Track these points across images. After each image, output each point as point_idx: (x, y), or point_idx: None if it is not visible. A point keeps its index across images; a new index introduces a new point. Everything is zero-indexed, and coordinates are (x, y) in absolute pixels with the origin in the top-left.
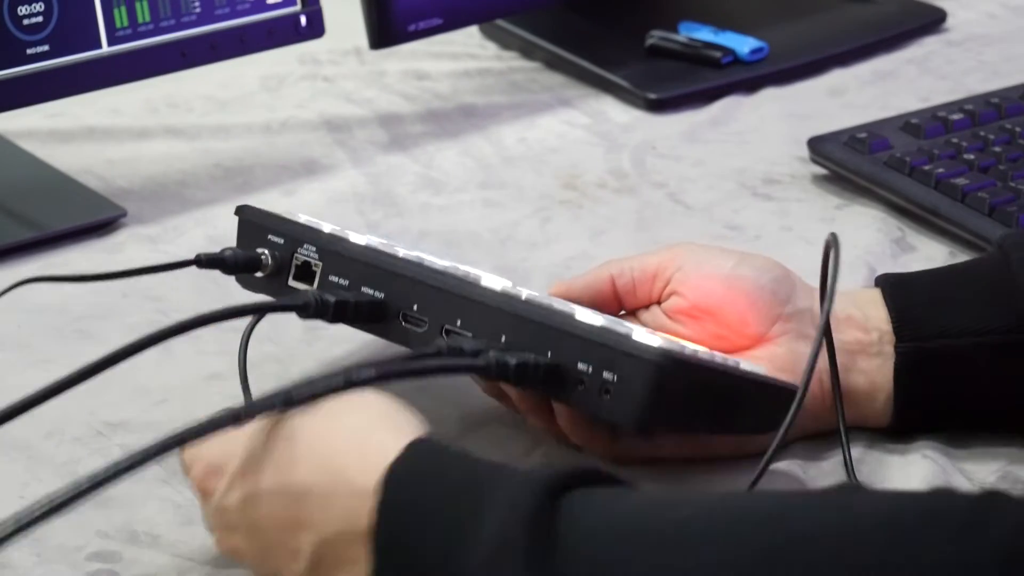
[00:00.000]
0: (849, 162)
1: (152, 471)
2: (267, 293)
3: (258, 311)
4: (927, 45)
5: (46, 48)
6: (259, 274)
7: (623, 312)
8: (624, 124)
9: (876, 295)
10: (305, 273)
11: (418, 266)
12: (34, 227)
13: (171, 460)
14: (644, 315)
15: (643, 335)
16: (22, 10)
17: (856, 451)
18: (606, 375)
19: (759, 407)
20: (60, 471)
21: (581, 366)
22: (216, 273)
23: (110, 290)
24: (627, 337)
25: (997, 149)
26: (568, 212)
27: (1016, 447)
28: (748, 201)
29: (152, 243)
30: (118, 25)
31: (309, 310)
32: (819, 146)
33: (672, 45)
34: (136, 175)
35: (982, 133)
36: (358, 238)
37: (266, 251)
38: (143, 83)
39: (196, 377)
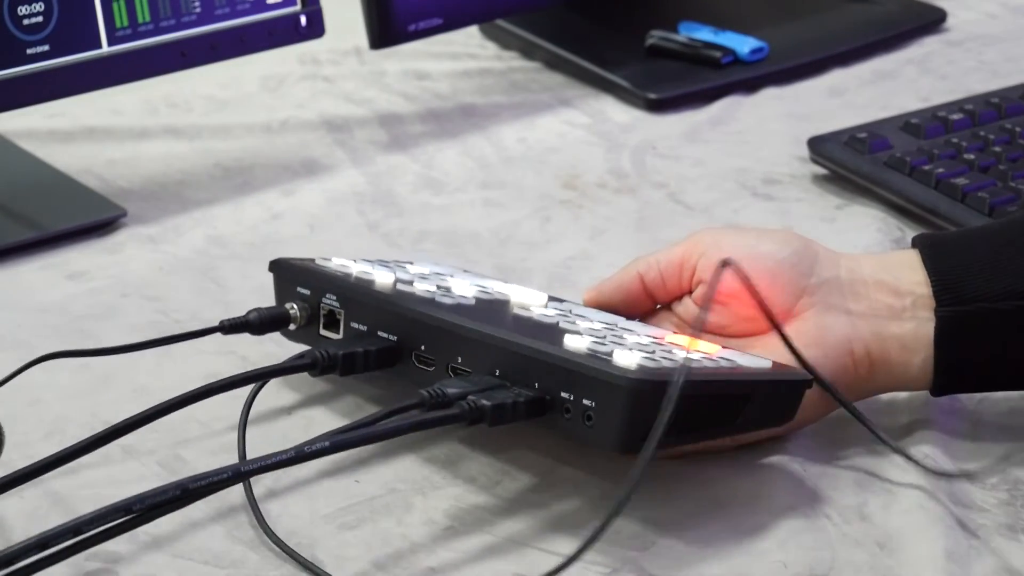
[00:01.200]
0: (849, 162)
1: (153, 470)
2: (305, 343)
3: (264, 376)
4: (927, 45)
5: (46, 48)
6: (292, 327)
7: (658, 307)
8: (624, 124)
9: (910, 257)
10: (332, 321)
11: (428, 303)
12: (34, 227)
13: (171, 461)
14: (678, 307)
15: (624, 357)
16: (22, 10)
17: (855, 453)
18: (586, 402)
19: (766, 402)
20: (60, 472)
21: (564, 395)
22: (216, 273)
23: (110, 290)
24: (605, 361)
25: (997, 149)
26: (568, 212)
27: (1017, 448)
28: (748, 201)
29: (152, 243)
30: (118, 25)
31: (317, 368)
32: (819, 146)
33: (672, 45)
34: (136, 175)
35: (982, 133)
36: (385, 276)
37: (295, 305)
38: (143, 83)
39: (196, 377)
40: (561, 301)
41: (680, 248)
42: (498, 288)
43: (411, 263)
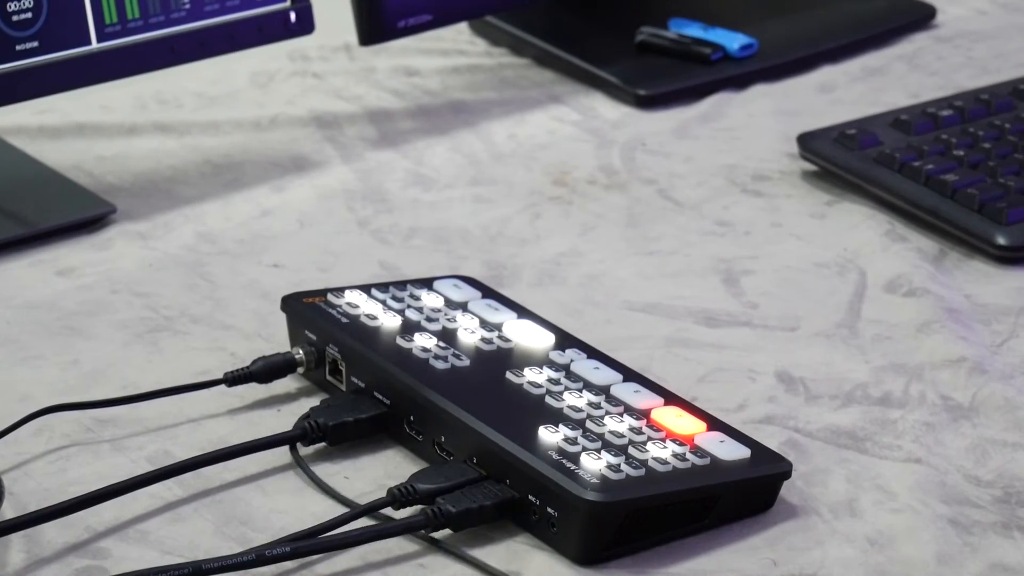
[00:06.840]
0: (839, 158)
1: (142, 467)
2: (314, 383)
3: (251, 450)
4: (917, 41)
5: (35, 44)
6: (300, 370)
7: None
8: (614, 121)
9: None
10: (336, 369)
11: (422, 368)
12: (24, 224)
13: (160, 456)
14: None
15: (589, 464)
16: (11, 6)
17: (850, 452)
18: (550, 510)
19: (738, 498)
20: (49, 468)
21: (532, 498)
22: (206, 270)
23: (99, 287)
24: (569, 472)
25: (986, 145)
26: (558, 209)
27: (1013, 445)
28: (738, 197)
29: (142, 239)
30: (107, 21)
31: (307, 438)
32: (809, 142)
33: (662, 41)
34: (126, 171)
35: (971, 129)
36: (391, 322)
37: (301, 350)
38: (132, 79)
39: (185, 374)
40: (565, 347)
41: None
42: (508, 329)
43: (427, 289)
